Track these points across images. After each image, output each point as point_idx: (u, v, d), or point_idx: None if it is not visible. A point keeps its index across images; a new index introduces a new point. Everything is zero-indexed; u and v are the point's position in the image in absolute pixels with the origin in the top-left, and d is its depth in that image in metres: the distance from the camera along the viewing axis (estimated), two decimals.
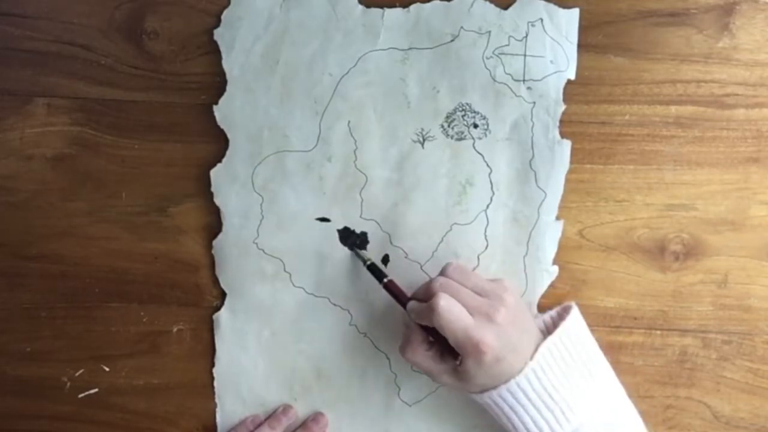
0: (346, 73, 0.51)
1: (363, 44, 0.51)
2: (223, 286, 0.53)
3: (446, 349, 0.46)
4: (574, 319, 0.49)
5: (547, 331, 0.49)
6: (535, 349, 0.46)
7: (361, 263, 0.51)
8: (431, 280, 0.47)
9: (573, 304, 0.50)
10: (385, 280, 0.49)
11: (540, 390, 0.45)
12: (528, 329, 0.47)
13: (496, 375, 0.45)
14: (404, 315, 0.48)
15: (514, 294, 0.47)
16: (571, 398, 0.45)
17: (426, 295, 0.46)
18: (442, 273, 0.47)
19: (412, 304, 0.47)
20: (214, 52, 0.51)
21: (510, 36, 0.50)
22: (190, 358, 0.54)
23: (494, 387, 0.45)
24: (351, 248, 0.52)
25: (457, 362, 0.46)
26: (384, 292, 0.49)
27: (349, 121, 0.51)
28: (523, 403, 0.45)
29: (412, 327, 0.47)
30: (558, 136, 0.51)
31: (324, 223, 0.52)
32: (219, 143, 0.52)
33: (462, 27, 0.50)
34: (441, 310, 0.44)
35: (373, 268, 0.50)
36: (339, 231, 0.52)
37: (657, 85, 0.51)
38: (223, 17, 0.51)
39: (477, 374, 0.45)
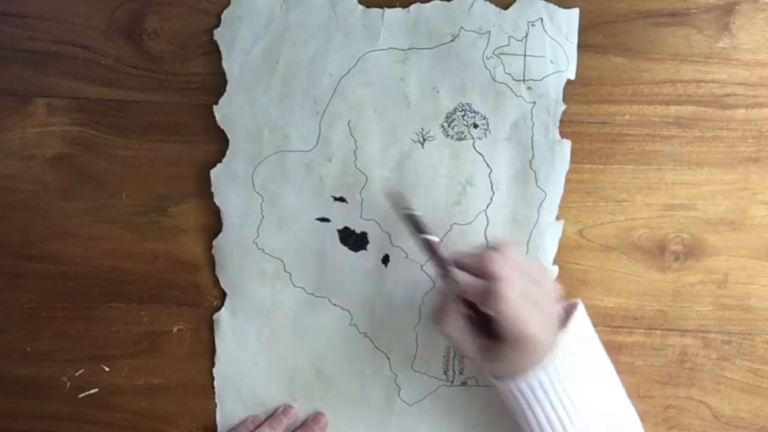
0: (346, 73, 0.51)
1: (363, 44, 0.51)
2: (223, 286, 0.53)
3: (482, 325, 0.44)
4: (581, 318, 0.48)
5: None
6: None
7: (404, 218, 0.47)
8: (489, 257, 0.43)
9: (579, 301, 0.49)
10: (423, 236, 0.46)
11: (558, 386, 0.44)
12: (554, 319, 0.46)
13: (525, 360, 0.44)
14: (443, 281, 0.45)
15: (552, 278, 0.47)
16: (579, 394, 0.45)
17: (479, 269, 0.43)
18: (500, 250, 0.45)
19: (464, 277, 0.44)
20: (214, 52, 0.51)
21: (510, 36, 0.50)
22: (190, 358, 0.54)
23: (520, 373, 0.44)
24: (389, 196, 0.47)
25: (490, 340, 0.44)
26: (386, 291, 0.48)
27: (349, 121, 0.51)
28: (539, 396, 0.44)
29: (450, 296, 0.45)
30: (558, 136, 0.51)
31: (324, 223, 0.52)
32: (219, 143, 0.52)
33: (462, 27, 0.50)
34: (510, 301, 0.41)
35: (411, 219, 0.46)
36: (339, 231, 0.52)
37: (657, 85, 0.51)
38: (223, 17, 0.51)
39: (513, 359, 0.44)
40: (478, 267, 0.44)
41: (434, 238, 0.46)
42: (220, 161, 0.52)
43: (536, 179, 0.51)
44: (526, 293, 0.43)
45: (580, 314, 0.48)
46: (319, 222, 0.52)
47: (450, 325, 0.45)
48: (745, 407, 0.53)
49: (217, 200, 0.52)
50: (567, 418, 0.44)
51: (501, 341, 0.43)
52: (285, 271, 0.53)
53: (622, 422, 0.48)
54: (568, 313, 0.48)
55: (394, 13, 0.50)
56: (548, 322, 0.44)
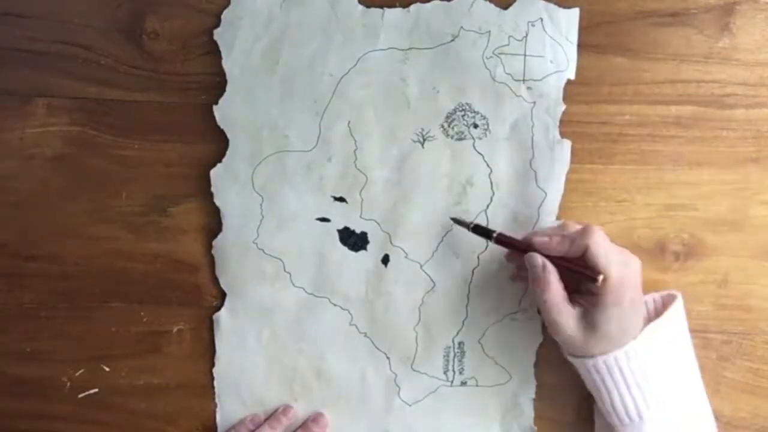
0: (346, 73, 0.51)
1: (363, 44, 0.51)
2: (223, 286, 0.53)
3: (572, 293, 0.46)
4: (678, 309, 0.49)
5: (649, 314, 0.49)
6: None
7: (465, 229, 0.50)
8: (585, 226, 0.45)
9: (678, 294, 0.49)
10: (495, 234, 0.48)
11: (637, 370, 0.45)
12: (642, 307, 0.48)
13: (618, 333, 0.45)
14: (531, 257, 0.46)
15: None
16: (658, 382, 0.46)
17: (570, 232, 0.46)
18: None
19: (549, 239, 0.46)
20: (214, 52, 0.51)
21: (510, 36, 0.50)
22: (190, 358, 0.54)
23: (608, 351, 0.45)
24: (453, 220, 0.50)
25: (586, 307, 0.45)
26: (386, 291, 0.48)
27: (349, 121, 0.51)
28: (616, 378, 0.45)
29: (546, 268, 0.46)
30: (558, 136, 0.51)
31: (324, 223, 0.52)
32: (219, 143, 0.52)
33: (462, 27, 0.50)
34: (599, 235, 0.44)
35: (478, 229, 0.49)
36: (339, 231, 0.52)
37: (657, 85, 0.51)
38: (223, 17, 0.51)
39: (610, 322, 0.44)
40: (568, 231, 0.46)
41: (501, 231, 0.49)
42: (220, 161, 0.52)
43: (536, 179, 0.51)
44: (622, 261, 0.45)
45: (674, 310, 0.48)
46: (319, 222, 0.52)
47: (552, 293, 0.45)
48: (745, 407, 0.53)
49: (217, 200, 0.52)
50: (643, 402, 0.45)
51: (603, 298, 0.44)
52: (285, 271, 0.53)
53: (699, 422, 0.48)
54: (666, 303, 0.49)
55: (394, 13, 0.50)
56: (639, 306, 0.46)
